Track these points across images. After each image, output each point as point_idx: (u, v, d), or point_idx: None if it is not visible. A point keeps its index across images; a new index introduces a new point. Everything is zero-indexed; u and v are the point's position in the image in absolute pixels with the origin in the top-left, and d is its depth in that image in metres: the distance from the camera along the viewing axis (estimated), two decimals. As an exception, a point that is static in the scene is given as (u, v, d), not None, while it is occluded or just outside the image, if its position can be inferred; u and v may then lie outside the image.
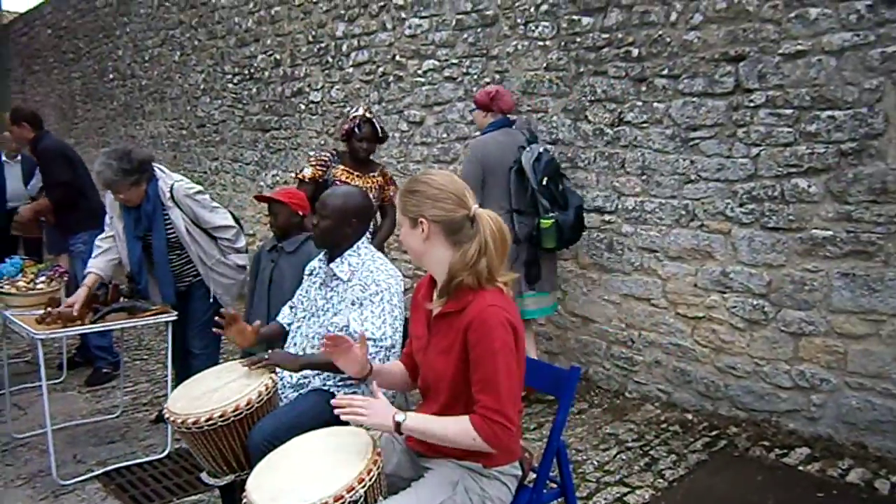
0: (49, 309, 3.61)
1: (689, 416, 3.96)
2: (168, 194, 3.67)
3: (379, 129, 4.21)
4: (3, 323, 4.14)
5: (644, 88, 4.07)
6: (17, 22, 13.63)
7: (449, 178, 2.00)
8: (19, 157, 6.50)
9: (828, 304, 3.49)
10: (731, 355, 3.84)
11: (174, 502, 3.32)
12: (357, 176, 4.17)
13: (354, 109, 4.29)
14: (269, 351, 2.66)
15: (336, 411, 1.95)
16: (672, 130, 3.96)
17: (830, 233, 3.45)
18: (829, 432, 3.52)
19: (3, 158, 6.75)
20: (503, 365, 1.83)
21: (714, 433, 3.76)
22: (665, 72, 3.97)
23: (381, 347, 2.52)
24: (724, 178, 3.78)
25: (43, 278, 4.17)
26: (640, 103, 4.09)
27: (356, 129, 4.14)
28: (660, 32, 3.97)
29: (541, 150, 4.01)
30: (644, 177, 4.12)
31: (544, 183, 3.93)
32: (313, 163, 4.22)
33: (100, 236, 3.92)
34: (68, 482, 3.52)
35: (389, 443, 2.16)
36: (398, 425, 1.88)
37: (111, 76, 10.23)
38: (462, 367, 1.90)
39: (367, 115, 4.18)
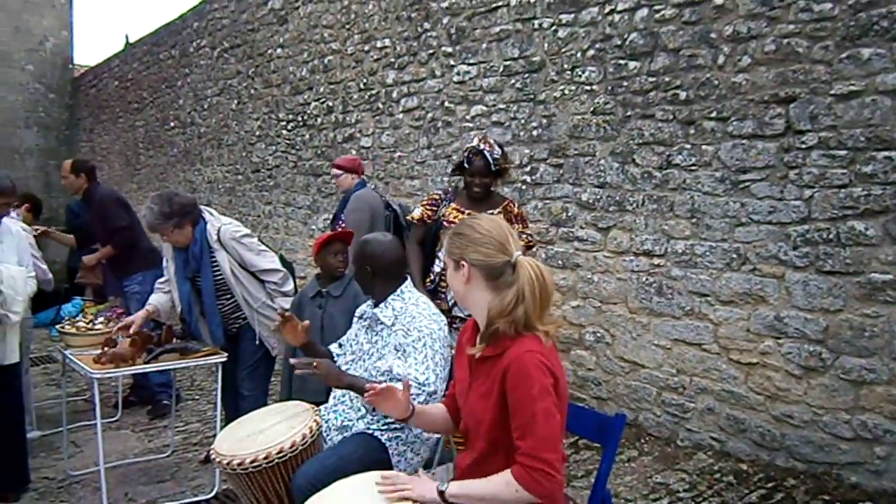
0: (106, 349, 3.72)
1: (744, 467, 3.82)
2: (215, 236, 3.77)
3: (491, 161, 3.66)
4: (63, 361, 4.28)
5: (692, 131, 4.04)
6: (87, 74, 14.34)
7: (494, 224, 2.02)
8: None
9: (890, 350, 3.35)
10: (788, 403, 3.71)
11: (220, 543, 3.35)
12: (468, 214, 3.59)
13: (470, 140, 3.87)
14: (321, 359, 2.66)
15: (380, 489, 1.96)
16: (722, 173, 3.92)
17: (891, 276, 3.33)
18: None
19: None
20: (542, 410, 1.81)
21: (770, 485, 3.62)
22: (713, 114, 3.94)
23: (425, 392, 2.52)
24: (777, 221, 3.70)
25: (101, 319, 4.30)
26: (688, 146, 4.06)
27: (465, 164, 3.73)
28: (707, 75, 3.95)
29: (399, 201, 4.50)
30: (694, 220, 4.06)
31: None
32: (425, 202, 3.95)
33: (160, 279, 4.07)
34: (119, 521, 3.57)
35: (431, 491, 2.14)
36: (442, 494, 1.90)
37: (172, 124, 10.64)
38: (501, 412, 1.88)
39: (481, 145, 3.71)
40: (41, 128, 14.50)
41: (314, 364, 2.57)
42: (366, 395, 2.15)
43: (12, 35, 13.98)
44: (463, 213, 3.71)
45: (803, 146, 3.58)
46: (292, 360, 2.62)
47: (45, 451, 4.60)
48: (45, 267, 4.49)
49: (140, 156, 11.82)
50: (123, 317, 4.55)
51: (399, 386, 2.14)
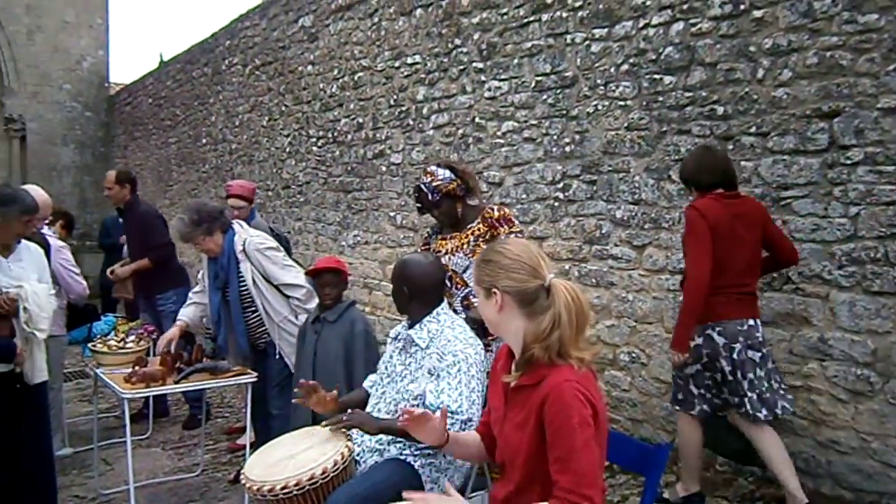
0: (136, 368, 3.72)
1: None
2: (240, 247, 3.80)
3: (428, 192, 3.59)
4: (95, 379, 4.29)
5: (731, 147, 3.94)
6: (122, 92, 14.59)
7: (524, 248, 1.95)
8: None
9: (942, 375, 3.21)
10: (834, 429, 3.57)
11: (249, 568, 3.30)
12: (451, 238, 3.67)
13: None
14: (349, 411, 2.63)
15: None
16: (762, 189, 3.80)
17: (942, 298, 3.20)
18: (950, 518, 3.20)
19: (120, 219, 7.18)
20: (581, 442, 1.73)
21: (817, 514, 3.48)
22: (753, 129, 3.83)
23: (458, 420, 2.46)
24: (821, 239, 3.58)
25: (132, 337, 4.31)
26: (726, 162, 3.96)
27: (418, 205, 3.73)
28: (746, 90, 3.86)
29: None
30: (732, 237, 3.94)
31: None
32: (421, 243, 3.92)
33: (193, 289, 4.11)
34: (148, 542, 3.55)
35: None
36: None
37: (204, 141, 10.75)
38: (538, 443, 1.81)
39: (424, 178, 3.67)
40: (78, 145, 14.75)
41: (344, 419, 2.53)
42: (399, 420, 2.09)
43: (51, 55, 14.28)
44: (446, 239, 3.68)
45: (848, 162, 3.46)
46: (324, 424, 2.61)
47: (76, 468, 4.62)
48: (84, 283, 4.52)
49: (172, 172, 11.95)
50: (154, 334, 4.57)
51: (434, 411, 2.08)
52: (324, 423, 2.65)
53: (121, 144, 14.51)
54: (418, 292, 2.70)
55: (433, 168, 3.66)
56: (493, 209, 3.65)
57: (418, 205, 3.69)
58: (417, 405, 2.56)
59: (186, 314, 4.05)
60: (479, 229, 3.60)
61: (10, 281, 3.56)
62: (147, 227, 5.44)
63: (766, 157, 3.78)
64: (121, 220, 7.52)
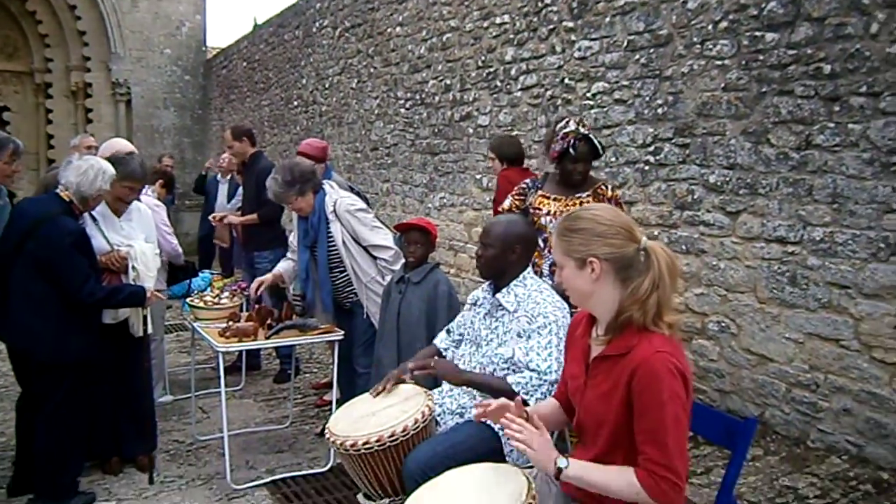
0: (230, 323, 3.88)
1: (885, 476, 3.51)
2: (331, 207, 3.88)
3: (599, 146, 3.55)
4: (192, 332, 4.51)
5: (837, 108, 3.70)
6: (218, 56, 15.03)
7: (614, 212, 1.90)
8: (229, 177, 7.20)
9: None
10: (940, 409, 3.37)
11: (333, 517, 3.43)
12: (554, 200, 3.60)
13: (563, 125, 3.62)
14: (436, 359, 2.66)
15: (501, 423, 1.88)
16: (870, 154, 3.57)
17: None
18: None
19: (219, 177, 7.56)
20: (671, 416, 1.70)
21: (916, 498, 3.31)
22: (863, 89, 3.59)
23: (545, 381, 2.45)
24: (934, 208, 3.35)
25: (227, 293, 4.49)
26: (831, 125, 3.73)
27: (570, 149, 3.52)
28: (857, 46, 3.60)
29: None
30: (835, 205, 3.74)
31: None
32: (514, 192, 3.83)
33: (290, 251, 4.28)
34: (240, 487, 3.74)
35: (545, 485, 2.07)
36: (559, 471, 1.79)
37: (295, 103, 10.97)
38: (625, 413, 1.78)
39: (582, 129, 3.54)
40: (177, 108, 15.35)
41: (431, 364, 2.57)
42: (475, 415, 2.07)
43: (152, 21, 14.85)
44: (549, 199, 3.60)
45: (970, 125, 3.20)
46: (410, 366, 2.64)
47: (176, 414, 4.89)
48: (175, 242, 4.73)
49: (265, 134, 12.27)
50: (246, 291, 4.74)
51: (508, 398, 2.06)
52: (410, 366, 2.67)
53: (217, 107, 14.99)
54: (524, 252, 2.70)
55: (584, 120, 3.63)
56: (607, 186, 3.64)
57: (571, 151, 3.51)
58: (508, 369, 2.57)
59: (282, 267, 4.21)
60: (587, 201, 3.52)
61: (121, 239, 3.78)
62: (264, 183, 5.58)
63: (876, 119, 3.54)
64: (219, 177, 7.82)
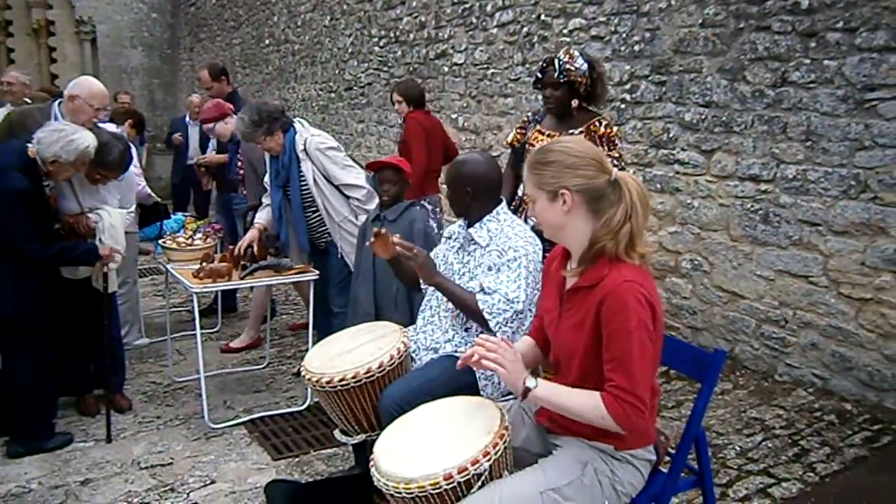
0: (204, 264, 3.85)
1: (848, 407, 3.63)
2: (301, 146, 3.83)
3: (558, 69, 3.41)
4: (166, 274, 4.47)
5: (813, 44, 3.68)
6: (186, -8, 14.54)
7: (584, 144, 1.89)
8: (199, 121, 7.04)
9: None
10: (903, 342, 3.46)
11: (311, 454, 3.47)
12: (548, 136, 3.51)
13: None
14: (416, 250, 2.65)
15: (475, 342, 1.88)
16: (845, 91, 3.57)
17: None
18: None
19: (188, 120, 7.38)
20: (638, 344, 1.72)
21: (876, 427, 3.42)
22: (840, 25, 3.56)
23: (511, 308, 2.47)
24: (906, 145, 3.37)
25: (200, 235, 4.45)
26: (807, 61, 3.71)
27: (539, 74, 3.55)
28: (835, -19, 3.56)
29: None
30: (808, 143, 3.75)
31: None
32: (517, 125, 3.83)
33: (265, 195, 4.20)
34: (218, 426, 3.77)
35: (519, 416, 2.11)
36: (527, 391, 1.81)
37: (267, 42, 10.69)
38: (594, 343, 1.80)
39: (559, 55, 3.48)
40: (145, 47, 14.87)
41: (414, 251, 2.57)
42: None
43: (115, -46, 14.28)
44: (543, 134, 3.56)
45: (944, 61, 3.20)
46: (395, 238, 2.63)
47: (152, 357, 4.89)
48: (144, 185, 4.66)
49: (237, 74, 11.97)
50: (220, 233, 4.70)
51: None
52: (396, 239, 2.67)
53: (186, 46, 14.56)
54: (481, 191, 2.67)
55: (575, 52, 3.50)
56: (600, 123, 3.51)
57: (539, 75, 3.55)
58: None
59: (262, 217, 4.13)
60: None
61: (94, 203, 3.69)
62: None
63: (852, 56, 3.53)
64: (189, 120, 7.66)
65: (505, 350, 1.84)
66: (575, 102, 3.54)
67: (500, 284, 2.49)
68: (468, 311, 2.57)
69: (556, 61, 3.44)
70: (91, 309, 3.81)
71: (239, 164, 4.96)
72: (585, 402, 1.78)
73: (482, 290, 2.53)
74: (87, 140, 3.39)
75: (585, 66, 3.44)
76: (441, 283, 2.63)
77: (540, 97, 3.70)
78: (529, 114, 3.84)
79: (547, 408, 1.90)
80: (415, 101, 5.21)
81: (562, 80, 3.44)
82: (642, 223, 1.81)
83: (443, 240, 2.91)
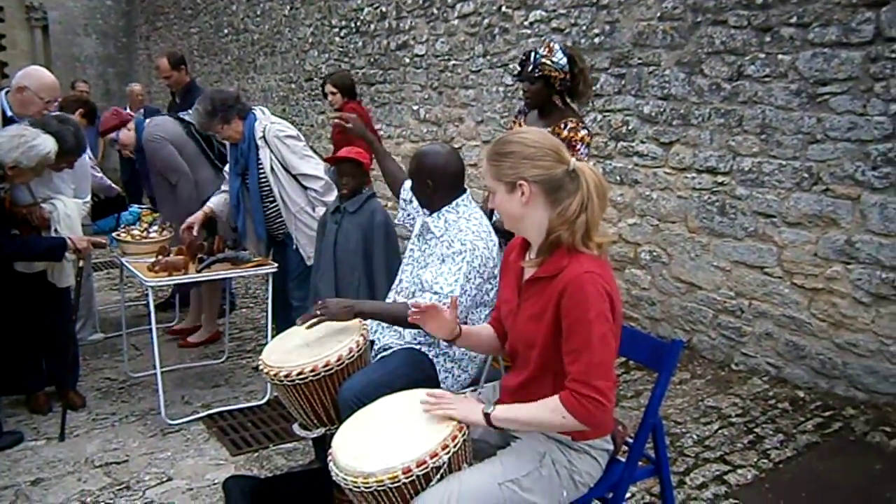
0: (159, 257, 3.77)
1: (801, 394, 3.71)
2: (260, 133, 3.78)
3: (532, 63, 3.35)
4: (121, 268, 4.37)
5: (768, 39, 3.74)
6: (142, -21, 14.21)
7: (542, 134, 1.89)
8: (143, 111, 6.87)
9: (970, 280, 3.14)
10: (853, 332, 3.55)
11: (270, 448, 3.44)
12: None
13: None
14: (321, 302, 2.57)
15: (424, 407, 1.93)
16: (798, 85, 3.64)
17: (979, 201, 3.09)
18: (963, 420, 3.21)
19: (128, 110, 7.18)
20: (598, 335, 1.72)
21: (828, 414, 3.51)
22: (793, 20, 3.62)
23: (441, 304, 2.45)
24: (856, 139, 3.44)
25: (156, 227, 4.35)
26: (762, 55, 3.77)
27: (518, 68, 3.51)
28: (789, -24, 3.62)
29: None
30: (763, 136, 3.82)
31: None
32: (513, 116, 3.79)
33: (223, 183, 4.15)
34: (175, 422, 3.70)
35: (477, 408, 2.10)
36: (487, 417, 1.85)
37: (226, 31, 10.51)
38: (553, 334, 1.80)
39: (538, 49, 3.43)
40: (99, 35, 14.52)
41: (317, 312, 2.50)
42: (409, 313, 2.09)
43: (67, -61, 13.89)
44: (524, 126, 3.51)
45: (893, 56, 3.28)
46: (298, 321, 2.59)
47: (107, 352, 4.78)
48: (102, 176, 4.55)
49: (195, 63, 11.74)
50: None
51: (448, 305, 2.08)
52: (299, 321, 2.61)
53: (143, 35, 14.25)
54: (441, 182, 2.65)
55: (556, 46, 3.42)
56: (564, 126, 3.37)
57: (518, 68, 3.50)
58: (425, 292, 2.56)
59: (213, 202, 4.07)
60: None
61: (48, 192, 3.58)
62: None
63: (805, 51, 3.59)
64: (129, 110, 7.45)
65: (447, 399, 1.93)
66: (555, 99, 3.47)
67: (439, 277, 2.48)
68: (401, 323, 2.53)
69: (533, 54, 3.39)
70: (43, 303, 3.71)
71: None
72: (543, 410, 1.80)
73: (421, 284, 2.52)
74: (48, 146, 3.32)
75: (565, 60, 3.37)
76: (364, 312, 2.56)
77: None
78: (521, 104, 3.77)
79: (509, 427, 1.91)
80: (349, 92, 5.35)
81: (536, 75, 3.38)
82: (598, 214, 1.81)
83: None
